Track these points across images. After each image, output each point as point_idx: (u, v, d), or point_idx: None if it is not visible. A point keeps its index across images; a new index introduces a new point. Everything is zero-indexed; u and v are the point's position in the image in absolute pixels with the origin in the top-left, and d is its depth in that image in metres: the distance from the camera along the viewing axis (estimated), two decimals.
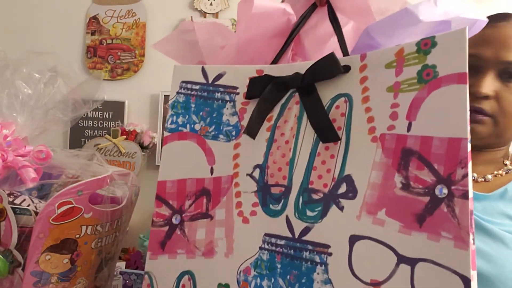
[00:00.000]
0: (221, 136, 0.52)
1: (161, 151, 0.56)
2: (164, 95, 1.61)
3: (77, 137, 1.65)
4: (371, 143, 0.43)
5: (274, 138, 0.49)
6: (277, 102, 0.50)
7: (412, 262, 0.37)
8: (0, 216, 0.72)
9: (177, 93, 0.56)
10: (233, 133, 0.51)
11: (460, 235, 0.35)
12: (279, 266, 0.44)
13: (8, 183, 0.77)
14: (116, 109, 1.66)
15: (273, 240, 0.46)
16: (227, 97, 0.52)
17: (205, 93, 0.53)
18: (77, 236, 0.73)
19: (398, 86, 0.43)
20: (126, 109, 1.66)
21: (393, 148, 0.41)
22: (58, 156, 0.83)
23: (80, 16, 1.73)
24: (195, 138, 0.53)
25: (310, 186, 0.45)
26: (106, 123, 1.66)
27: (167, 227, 0.53)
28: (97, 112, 1.66)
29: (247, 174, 0.50)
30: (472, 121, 0.71)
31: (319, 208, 0.44)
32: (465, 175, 0.36)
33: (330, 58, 0.48)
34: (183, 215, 0.52)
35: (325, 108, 0.47)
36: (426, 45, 0.42)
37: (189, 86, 0.54)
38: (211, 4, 1.65)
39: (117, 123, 1.63)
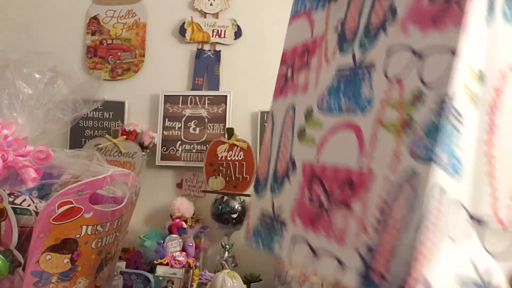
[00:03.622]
0: (319, 6, 0.70)
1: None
2: (164, 95, 1.60)
3: (77, 137, 1.64)
4: None
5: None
6: None
7: (422, 55, 0.48)
8: (1, 216, 0.72)
9: None
10: (326, 2, 0.69)
11: (461, 20, 0.45)
12: (342, 87, 0.60)
13: (9, 183, 0.77)
14: (116, 109, 1.65)
15: (341, 71, 0.61)
16: None
17: None
18: (78, 236, 0.73)
19: None
20: (126, 109, 1.65)
21: None
22: (58, 156, 0.83)
23: (80, 16, 1.73)
24: (305, 15, 0.73)
25: (370, 26, 0.58)
26: (106, 123, 1.65)
27: (284, 78, 0.73)
28: (97, 112, 1.65)
29: (334, 30, 0.65)
30: None
31: (373, 37, 0.57)
32: None
33: None
34: (293, 69, 0.71)
35: None
36: None
37: None
38: (211, 4, 1.64)
39: (117, 123, 1.63)
